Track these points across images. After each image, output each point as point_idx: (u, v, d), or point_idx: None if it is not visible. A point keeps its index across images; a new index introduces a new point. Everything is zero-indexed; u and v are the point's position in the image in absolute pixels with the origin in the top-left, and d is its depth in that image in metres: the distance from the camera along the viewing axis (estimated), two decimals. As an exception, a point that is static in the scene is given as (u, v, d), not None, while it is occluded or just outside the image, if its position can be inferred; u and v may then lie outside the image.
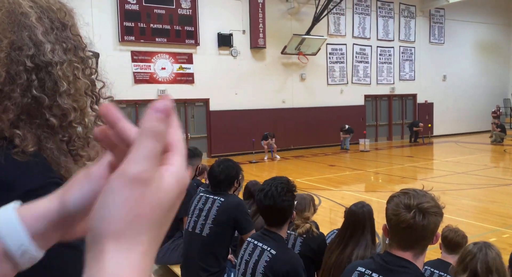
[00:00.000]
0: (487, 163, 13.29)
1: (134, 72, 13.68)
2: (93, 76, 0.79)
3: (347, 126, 16.64)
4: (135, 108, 14.11)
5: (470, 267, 2.11)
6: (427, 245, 1.52)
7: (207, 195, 3.10)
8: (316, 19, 15.94)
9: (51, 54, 0.71)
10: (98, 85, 0.81)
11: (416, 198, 1.50)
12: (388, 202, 1.57)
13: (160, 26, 13.95)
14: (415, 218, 1.46)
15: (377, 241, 3.12)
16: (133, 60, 13.68)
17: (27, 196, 0.61)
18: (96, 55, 0.82)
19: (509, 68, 24.01)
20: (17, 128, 0.67)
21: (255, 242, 2.21)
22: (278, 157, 14.47)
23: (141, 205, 0.33)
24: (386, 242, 1.62)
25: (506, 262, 2.41)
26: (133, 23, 13.47)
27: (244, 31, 15.51)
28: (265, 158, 14.11)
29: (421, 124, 18.98)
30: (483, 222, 6.68)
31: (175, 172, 0.35)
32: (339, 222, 6.42)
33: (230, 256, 3.30)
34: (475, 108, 22.54)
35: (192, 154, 3.78)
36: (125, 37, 13.37)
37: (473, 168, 11.87)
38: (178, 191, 0.35)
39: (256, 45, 15.55)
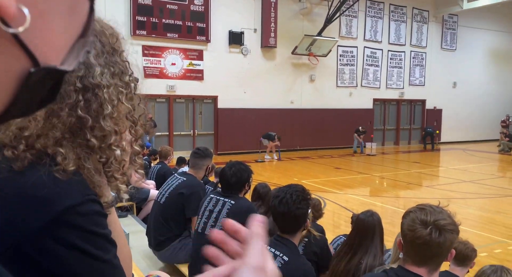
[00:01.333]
0: (494, 172, 13.21)
1: (144, 67, 13.73)
2: (134, 101, 0.82)
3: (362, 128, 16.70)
4: (143, 103, 14.14)
5: None
6: (442, 262, 1.52)
7: (218, 197, 3.11)
8: (328, 21, 15.89)
9: (100, 77, 0.72)
10: (138, 111, 0.83)
11: (433, 214, 1.50)
12: (404, 217, 1.57)
13: (172, 21, 13.98)
14: (431, 235, 1.46)
15: (385, 248, 3.13)
16: (144, 55, 13.73)
17: (66, 212, 0.63)
18: (136, 80, 0.84)
19: (521, 77, 23.81)
20: (61, 146, 0.69)
21: (268, 248, 2.22)
22: (276, 157, 14.42)
23: None
24: (400, 256, 1.62)
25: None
26: (145, 18, 13.52)
27: (255, 30, 15.50)
28: (267, 157, 14.03)
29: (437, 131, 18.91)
30: (489, 233, 6.66)
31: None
32: (342, 225, 6.44)
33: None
34: (484, 116, 22.39)
35: (204, 155, 3.80)
36: (137, 31, 13.42)
37: (480, 177, 11.80)
38: None
39: (267, 44, 15.54)
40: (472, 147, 19.95)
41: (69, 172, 0.67)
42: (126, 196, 0.86)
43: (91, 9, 0.34)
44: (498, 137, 20.50)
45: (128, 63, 0.79)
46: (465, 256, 2.98)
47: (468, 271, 2.96)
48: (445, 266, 3.16)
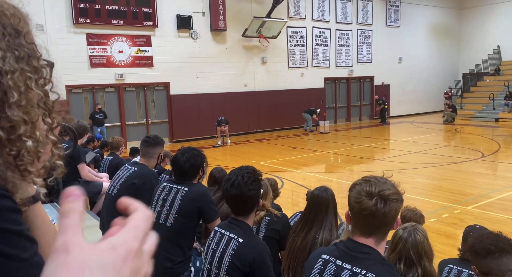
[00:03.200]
0: (439, 142, 13.95)
1: (90, 56, 13.15)
2: (46, 87, 0.74)
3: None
4: (92, 93, 13.63)
5: (404, 253, 2.22)
6: (388, 231, 1.58)
7: (171, 185, 3.06)
8: (276, 2, 15.87)
9: (1, 62, 0.66)
10: (52, 97, 0.76)
11: (377, 185, 1.54)
12: (350, 190, 1.60)
13: (116, 7, 13.42)
14: (377, 205, 1.50)
15: (339, 222, 3.22)
16: (89, 43, 13.13)
17: None
18: (51, 65, 0.76)
19: (460, 51, 25.05)
20: None
21: (222, 231, 2.23)
22: (229, 142, 14.31)
23: None
24: (349, 229, 1.67)
25: (456, 237, 2.55)
26: (87, 5, 12.88)
27: (204, 13, 15.21)
28: (219, 142, 13.95)
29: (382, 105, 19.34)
30: (437, 199, 7.05)
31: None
32: (301, 203, 6.57)
33: (195, 244, 3.30)
34: (428, 89, 23.45)
35: (154, 142, 3.69)
36: (79, 19, 12.78)
37: (427, 147, 12.42)
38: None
39: (217, 28, 15.32)
40: (419, 119, 20.91)
41: None
42: (43, 190, 0.81)
43: None
44: (442, 109, 21.61)
45: (35, 45, 0.73)
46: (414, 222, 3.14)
47: (395, 232, 3.14)
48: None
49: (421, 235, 2.26)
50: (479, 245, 2.02)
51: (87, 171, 5.47)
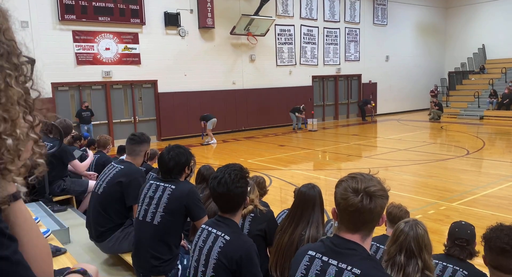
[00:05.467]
0: (426, 139, 14.11)
1: (76, 53, 12.99)
2: (27, 85, 0.73)
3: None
4: (78, 91, 13.46)
5: (405, 245, 2.28)
6: (374, 227, 1.59)
7: (158, 183, 3.04)
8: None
9: None
10: (33, 94, 0.74)
11: (363, 182, 1.55)
12: (336, 186, 1.61)
13: (103, 4, 13.26)
14: (362, 202, 1.51)
15: (326, 219, 3.24)
16: (75, 40, 12.96)
17: None
18: (32, 62, 0.74)
19: (445, 49, 25.36)
20: None
21: (209, 228, 2.22)
22: (208, 141, 13.95)
23: None
24: (335, 225, 1.68)
25: (441, 233, 2.59)
26: (73, 1, 12.70)
27: (191, 11, 15.13)
28: (209, 140, 13.84)
29: (372, 103, 19.89)
30: (423, 196, 7.14)
31: None
32: (289, 200, 6.58)
33: (183, 242, 3.29)
34: (415, 87, 23.70)
35: (140, 140, 3.66)
36: (65, 15, 12.60)
37: (413, 144, 12.56)
38: None
39: (205, 25, 15.25)
40: (406, 117, 21.13)
41: None
42: (23, 189, 0.79)
43: None
44: (428, 107, 21.87)
45: (15, 42, 0.71)
46: (399, 219, 3.16)
47: (397, 225, 3.17)
48: (382, 230, 3.34)
49: (421, 229, 2.33)
50: (495, 242, 2.05)
51: (81, 166, 5.46)
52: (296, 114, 16.90)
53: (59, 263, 2.63)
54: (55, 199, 5.34)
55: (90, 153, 6.11)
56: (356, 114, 21.33)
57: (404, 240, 2.28)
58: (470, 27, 23.89)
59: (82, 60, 13.13)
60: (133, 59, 14.13)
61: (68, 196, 5.46)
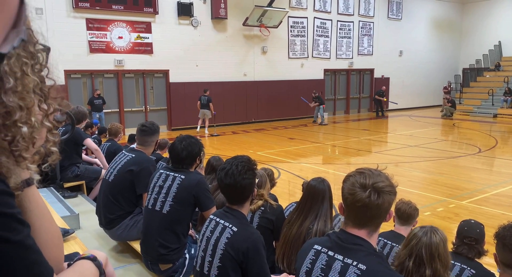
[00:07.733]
0: (437, 136, 13.97)
1: (89, 41, 13.06)
2: (42, 73, 0.74)
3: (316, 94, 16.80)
4: (91, 79, 13.56)
5: (415, 251, 2.17)
6: (381, 223, 1.58)
7: (168, 172, 3.07)
8: (278, -9, 15.73)
9: None
10: (48, 82, 0.75)
11: (371, 177, 1.54)
12: (344, 182, 1.61)
13: (116, -8, 13.29)
14: (370, 197, 1.50)
15: (334, 213, 3.24)
16: (88, 28, 13.03)
17: None
18: (47, 50, 0.75)
19: (461, 45, 24.96)
20: None
21: (217, 219, 2.24)
22: (207, 132, 13.99)
23: None
24: (342, 220, 1.68)
25: (450, 231, 2.56)
26: (86, -11, 12.75)
27: (205, 1, 15.08)
28: (206, 132, 13.90)
29: (385, 98, 19.73)
30: (432, 193, 7.09)
31: None
32: (297, 193, 6.60)
33: (191, 231, 3.32)
34: (428, 83, 23.41)
35: (151, 131, 3.69)
36: (79, 3, 12.65)
37: (425, 141, 12.45)
38: None
39: (218, 16, 15.20)
40: (417, 113, 20.92)
41: None
42: (37, 177, 0.81)
43: (21, 2, 0.31)
44: (441, 103, 21.61)
45: (32, 31, 0.72)
46: (408, 215, 3.15)
47: (412, 229, 3.14)
48: (390, 226, 3.34)
49: (438, 237, 2.18)
50: (510, 239, 2.02)
51: (94, 144, 5.53)
52: (313, 103, 16.70)
53: (67, 247, 2.67)
54: (66, 185, 5.42)
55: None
56: (367, 109, 21.17)
57: (416, 245, 2.17)
58: (487, 23, 23.46)
59: (95, 48, 13.20)
60: (146, 48, 14.17)
61: (80, 182, 5.54)
